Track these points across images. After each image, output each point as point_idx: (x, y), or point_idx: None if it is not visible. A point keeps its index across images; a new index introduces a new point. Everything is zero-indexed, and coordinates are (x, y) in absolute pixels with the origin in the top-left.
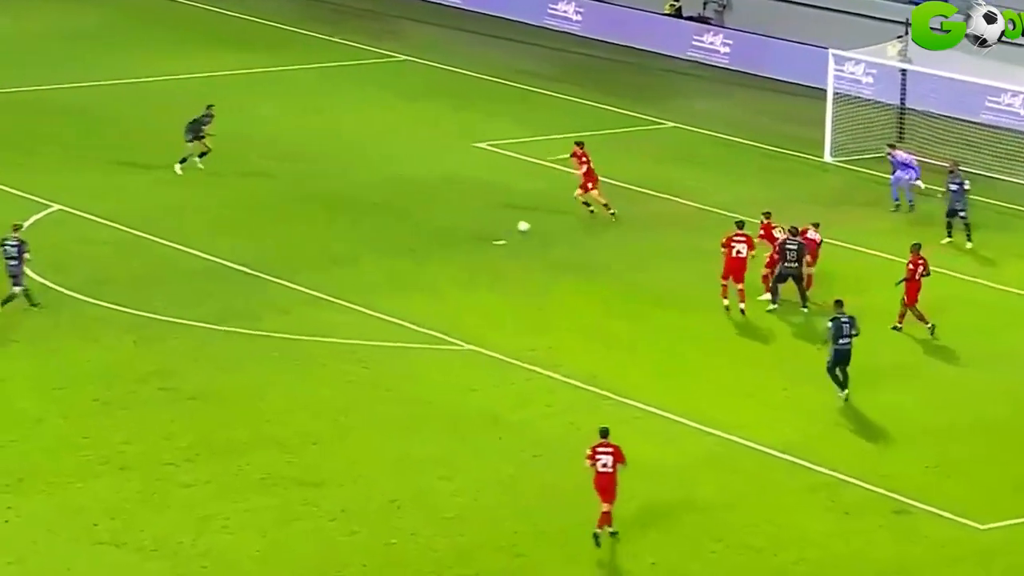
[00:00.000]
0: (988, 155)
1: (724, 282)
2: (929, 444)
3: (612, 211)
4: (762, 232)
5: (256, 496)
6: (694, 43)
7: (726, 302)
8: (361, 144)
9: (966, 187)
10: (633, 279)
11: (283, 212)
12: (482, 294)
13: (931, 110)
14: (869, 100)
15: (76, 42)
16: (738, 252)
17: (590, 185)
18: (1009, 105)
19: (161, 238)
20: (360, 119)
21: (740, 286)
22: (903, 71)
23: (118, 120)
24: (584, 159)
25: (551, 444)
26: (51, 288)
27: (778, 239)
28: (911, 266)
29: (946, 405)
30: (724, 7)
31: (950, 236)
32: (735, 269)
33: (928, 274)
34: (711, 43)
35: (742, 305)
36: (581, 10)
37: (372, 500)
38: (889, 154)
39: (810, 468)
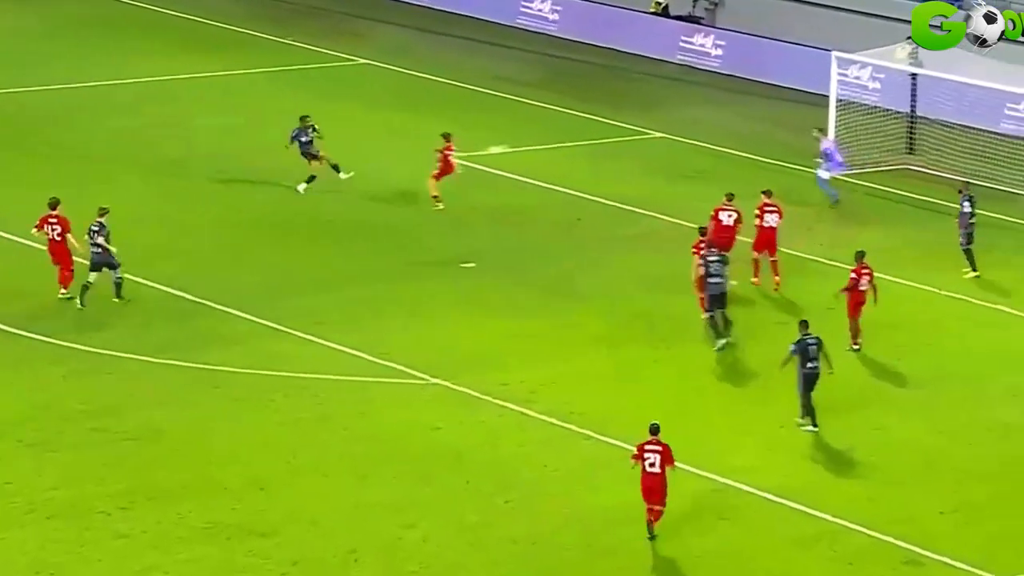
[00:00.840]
0: (1008, 168)
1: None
2: (943, 486)
3: (439, 205)
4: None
5: (198, 546)
6: (683, 45)
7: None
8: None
9: (965, 209)
10: (617, 305)
11: (232, 234)
12: (449, 322)
13: (944, 118)
14: (876, 107)
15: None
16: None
17: (441, 176)
18: None
19: None
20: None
21: (703, 295)
22: (913, 76)
23: (50, 130)
24: (447, 152)
25: (522, 488)
26: None
27: (722, 222)
28: (853, 275)
29: (962, 442)
30: (716, 5)
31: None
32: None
33: (872, 283)
34: (702, 45)
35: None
36: (558, 8)
37: (327, 551)
38: (818, 139)
39: (810, 514)
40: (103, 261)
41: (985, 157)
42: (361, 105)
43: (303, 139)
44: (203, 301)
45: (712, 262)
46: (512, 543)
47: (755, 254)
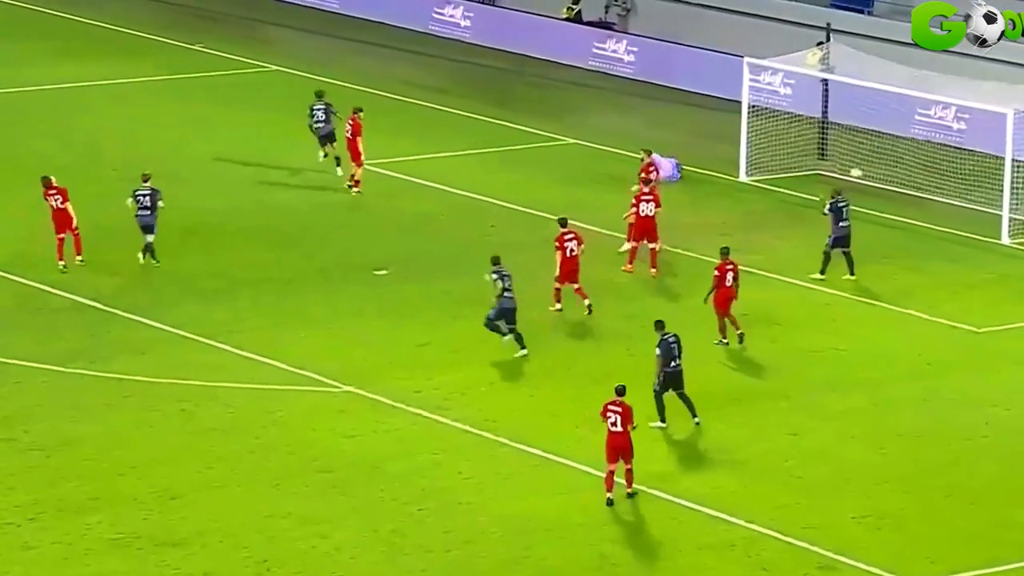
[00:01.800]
0: (918, 172)
1: (559, 285)
2: (856, 492)
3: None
4: (641, 174)
5: (107, 558)
6: (595, 51)
7: (558, 306)
8: (229, 164)
9: (825, 212)
10: (531, 312)
11: (139, 240)
12: (362, 330)
13: (856, 124)
14: (788, 113)
15: None
16: (571, 251)
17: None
18: (940, 118)
19: (3, 271)
20: (227, 136)
21: (576, 286)
22: (825, 81)
23: None
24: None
25: (437, 496)
26: None
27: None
28: (717, 273)
29: (875, 447)
30: (628, 11)
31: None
32: (571, 271)
33: (737, 279)
34: (614, 51)
35: (587, 302)
36: (470, 15)
37: (239, 562)
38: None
39: (725, 520)
40: (148, 223)
41: (895, 162)
42: (271, 111)
43: (320, 118)
44: (111, 309)
45: (504, 276)
46: (426, 552)
47: (632, 243)
